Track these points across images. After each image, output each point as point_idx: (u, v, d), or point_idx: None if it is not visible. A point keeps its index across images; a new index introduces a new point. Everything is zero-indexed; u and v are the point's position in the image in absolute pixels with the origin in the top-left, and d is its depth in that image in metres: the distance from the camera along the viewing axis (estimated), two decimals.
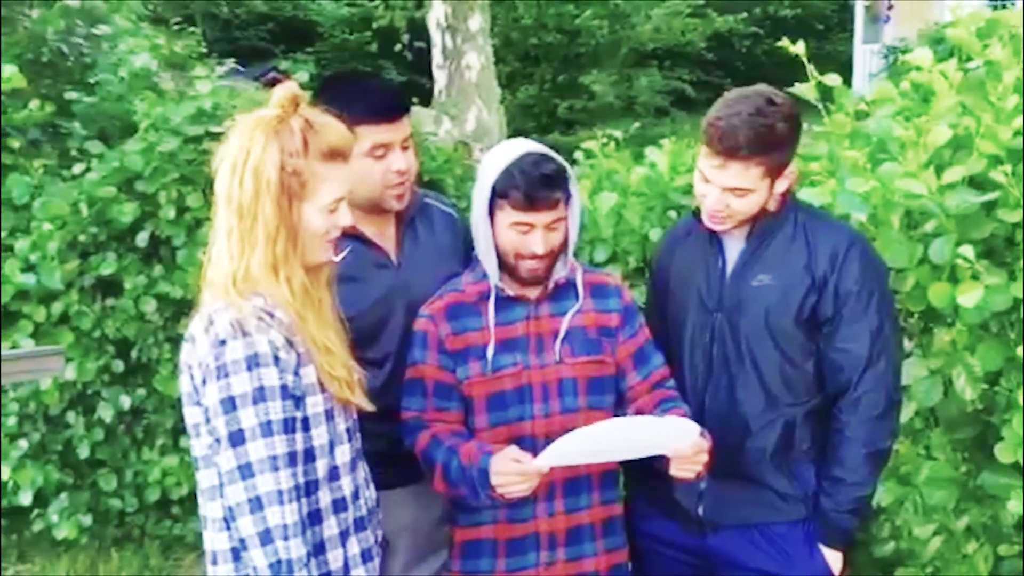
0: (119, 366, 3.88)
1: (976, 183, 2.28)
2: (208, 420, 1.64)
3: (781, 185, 2.11)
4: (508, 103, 15.16)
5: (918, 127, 2.34)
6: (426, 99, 11.13)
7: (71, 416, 3.92)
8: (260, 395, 1.59)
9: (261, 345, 1.61)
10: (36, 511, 3.96)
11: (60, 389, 3.82)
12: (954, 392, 2.30)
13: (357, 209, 2.21)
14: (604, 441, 1.95)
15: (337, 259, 2.15)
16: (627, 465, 2.22)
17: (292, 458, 1.62)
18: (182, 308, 3.68)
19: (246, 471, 1.59)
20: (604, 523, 2.16)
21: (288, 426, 1.62)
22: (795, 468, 2.16)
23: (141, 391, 3.93)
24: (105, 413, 3.87)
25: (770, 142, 2.03)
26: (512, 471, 1.92)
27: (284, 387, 1.62)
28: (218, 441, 1.62)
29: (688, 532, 2.23)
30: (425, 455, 2.07)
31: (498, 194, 2.03)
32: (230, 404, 1.59)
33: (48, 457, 3.95)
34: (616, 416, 2.14)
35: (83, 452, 3.90)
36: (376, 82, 2.43)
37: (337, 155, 1.72)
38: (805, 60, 2.61)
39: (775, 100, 2.05)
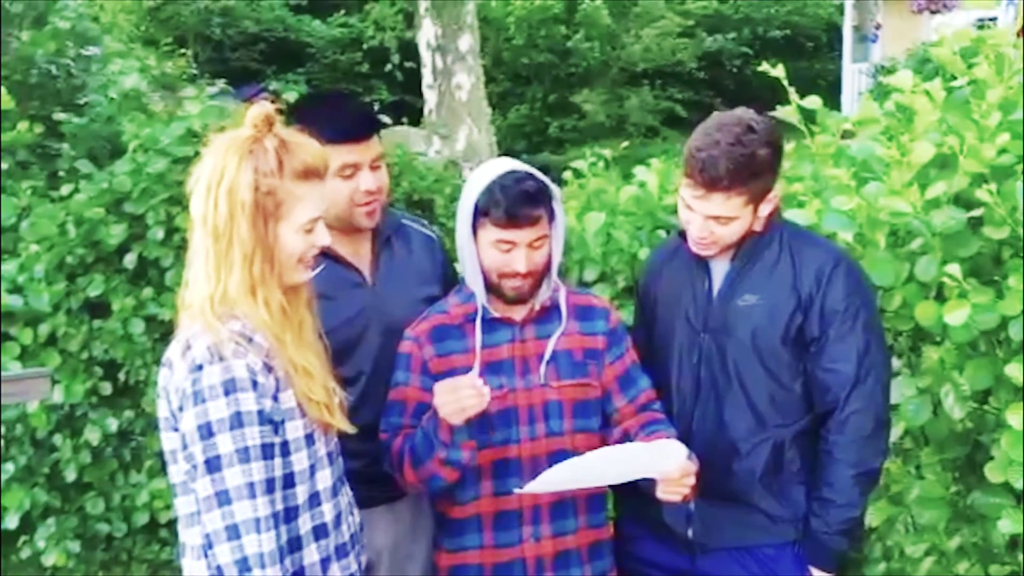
0: (107, 388, 3.85)
1: (962, 201, 2.28)
2: (185, 446, 1.62)
3: (765, 209, 2.11)
4: (499, 123, 15.21)
5: (902, 146, 2.34)
6: (416, 119, 11.16)
7: (58, 439, 3.89)
8: (237, 421, 1.57)
9: (238, 370, 1.59)
10: (23, 537, 3.92)
11: (47, 411, 3.79)
12: (943, 411, 2.30)
13: (331, 228, 2.22)
14: (592, 469, 1.94)
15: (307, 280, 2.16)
16: (616, 487, 2.21)
17: (270, 484, 1.60)
18: (170, 329, 3.62)
19: (223, 498, 1.57)
20: (591, 547, 2.14)
21: (266, 452, 1.60)
22: (784, 489, 2.15)
23: (129, 413, 3.90)
24: (92, 435, 3.84)
25: (751, 171, 2.02)
26: (448, 387, 1.89)
27: (261, 412, 1.60)
28: (195, 467, 1.60)
29: (678, 555, 2.21)
30: (398, 453, 2.04)
31: (480, 212, 2.03)
32: (207, 430, 1.57)
33: (35, 480, 3.91)
34: (602, 438, 2.14)
35: (70, 475, 3.86)
36: (345, 102, 2.41)
37: (312, 174, 1.70)
38: (786, 83, 2.61)
39: (755, 127, 2.04)
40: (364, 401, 2.15)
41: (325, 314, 1.99)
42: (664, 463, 1.94)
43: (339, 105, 2.33)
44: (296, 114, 2.19)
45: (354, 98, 2.37)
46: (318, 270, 2.16)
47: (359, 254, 2.29)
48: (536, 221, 2.02)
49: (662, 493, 1.97)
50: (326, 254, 2.18)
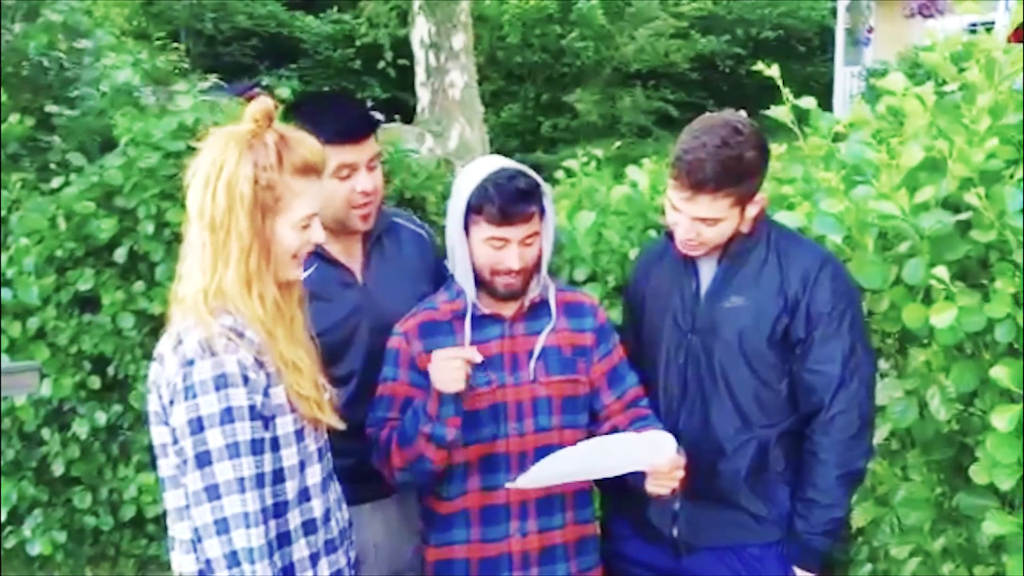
0: (95, 382, 3.83)
1: (950, 204, 2.30)
2: (175, 440, 1.62)
3: (752, 210, 2.12)
4: (492, 121, 15.21)
5: (891, 149, 2.35)
6: (409, 116, 11.15)
7: (46, 433, 3.88)
8: (228, 416, 1.58)
9: (229, 365, 1.59)
10: (9, 528, 3.91)
11: (35, 405, 3.78)
12: (929, 413, 2.31)
13: (324, 228, 2.22)
14: (582, 461, 1.95)
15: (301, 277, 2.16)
16: (602, 486, 2.22)
17: (260, 479, 1.60)
18: (160, 324, 3.61)
19: (212, 492, 1.57)
20: (577, 543, 2.16)
21: (256, 447, 1.60)
22: (769, 490, 2.16)
23: (117, 407, 3.89)
24: (80, 430, 3.83)
25: (737, 173, 2.03)
26: (443, 356, 1.92)
27: (252, 407, 1.60)
28: (185, 462, 1.60)
29: (663, 554, 2.22)
30: (385, 441, 2.05)
31: (473, 209, 2.03)
32: (197, 425, 1.57)
33: (23, 474, 3.90)
34: (590, 434, 2.15)
35: (58, 469, 3.85)
36: (343, 102, 2.42)
37: (311, 170, 1.71)
38: (780, 83, 2.63)
39: (741, 129, 2.05)
40: (356, 400, 2.15)
41: (317, 314, 1.99)
42: (654, 455, 1.95)
43: (337, 105, 2.33)
44: (294, 113, 2.19)
45: (352, 98, 2.40)
46: (310, 270, 2.17)
47: (350, 254, 2.29)
48: (529, 218, 2.03)
49: (651, 486, 1.99)
50: (318, 254, 2.19)
